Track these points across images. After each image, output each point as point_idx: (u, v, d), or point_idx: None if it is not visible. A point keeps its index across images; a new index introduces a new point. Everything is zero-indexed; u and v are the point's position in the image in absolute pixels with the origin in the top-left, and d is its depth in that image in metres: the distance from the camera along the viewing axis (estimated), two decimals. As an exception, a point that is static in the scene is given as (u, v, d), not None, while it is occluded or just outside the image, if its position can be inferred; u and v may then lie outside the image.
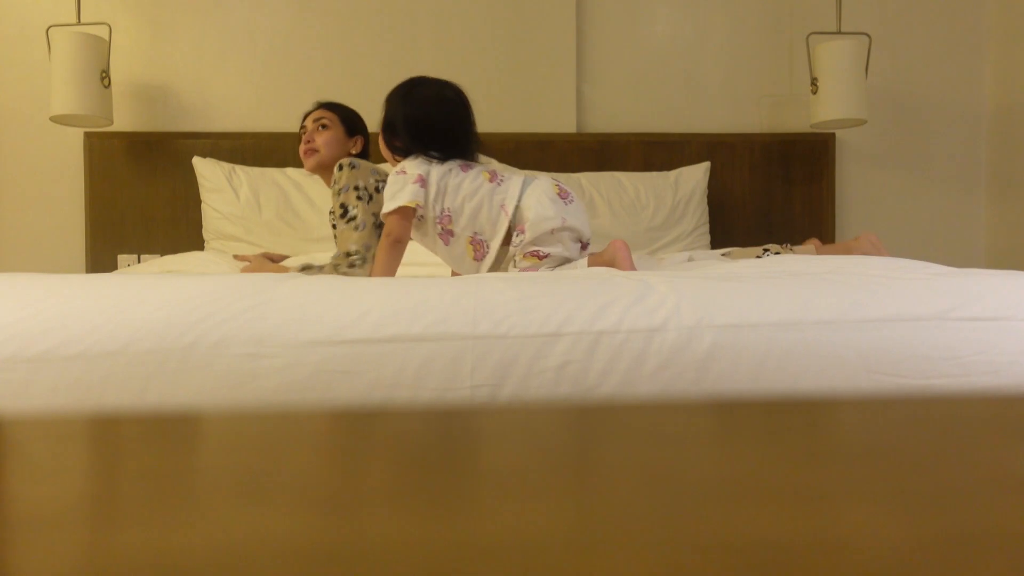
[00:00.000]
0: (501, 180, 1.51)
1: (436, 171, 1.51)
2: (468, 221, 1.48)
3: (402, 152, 1.57)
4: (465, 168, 1.54)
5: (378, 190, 1.83)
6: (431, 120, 1.56)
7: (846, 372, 0.87)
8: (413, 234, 1.55)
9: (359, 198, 1.78)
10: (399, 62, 2.64)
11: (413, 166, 1.52)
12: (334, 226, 2.09)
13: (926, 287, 0.96)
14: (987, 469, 0.27)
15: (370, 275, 1.58)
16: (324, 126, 1.97)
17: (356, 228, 1.76)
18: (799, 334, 0.88)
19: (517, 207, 1.46)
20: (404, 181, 1.51)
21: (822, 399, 0.41)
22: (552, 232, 1.43)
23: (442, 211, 1.49)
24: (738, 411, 0.37)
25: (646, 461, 0.28)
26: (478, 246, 1.48)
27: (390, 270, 1.52)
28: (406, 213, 1.50)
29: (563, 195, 1.48)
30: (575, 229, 1.46)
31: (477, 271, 1.49)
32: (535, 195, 1.46)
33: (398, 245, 1.52)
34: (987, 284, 0.98)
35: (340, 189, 1.80)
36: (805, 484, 0.25)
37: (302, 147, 1.97)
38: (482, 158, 1.58)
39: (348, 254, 1.70)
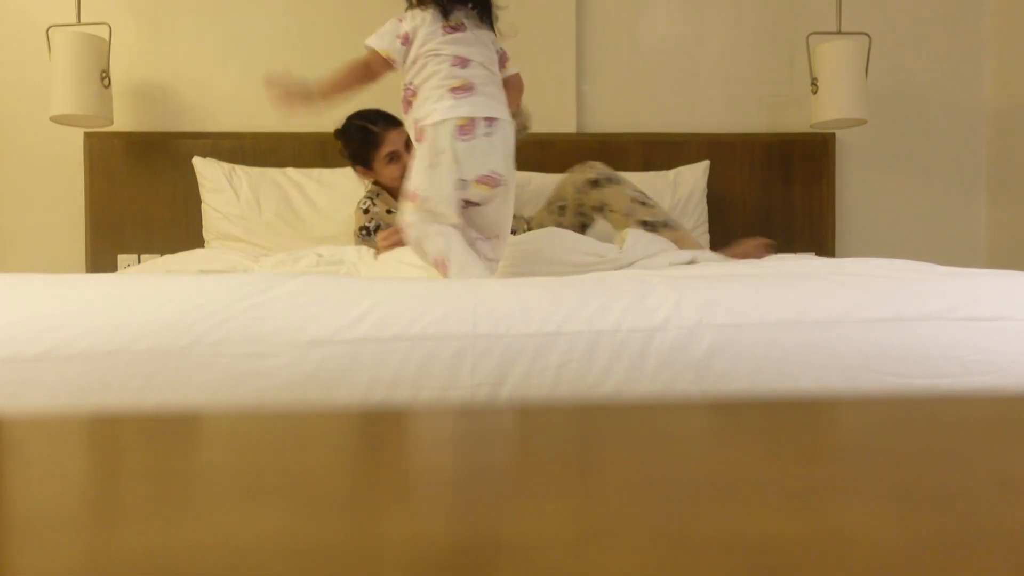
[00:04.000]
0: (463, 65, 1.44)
1: (424, 30, 1.46)
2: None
3: None
4: (448, 30, 1.47)
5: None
6: None
7: (846, 372, 0.87)
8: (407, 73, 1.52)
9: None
10: (399, 62, 2.64)
11: (409, 17, 1.49)
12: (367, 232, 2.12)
13: (927, 287, 0.96)
14: (987, 469, 0.27)
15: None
16: None
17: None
18: (799, 334, 0.88)
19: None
20: (392, 29, 1.49)
21: (822, 399, 0.41)
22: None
23: (408, 84, 1.48)
24: (738, 411, 0.37)
25: (646, 461, 0.28)
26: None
27: (344, 78, 1.51)
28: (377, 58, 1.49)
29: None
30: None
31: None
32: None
33: (368, 71, 1.50)
34: (987, 284, 0.98)
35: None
36: (805, 484, 0.25)
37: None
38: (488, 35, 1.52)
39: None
